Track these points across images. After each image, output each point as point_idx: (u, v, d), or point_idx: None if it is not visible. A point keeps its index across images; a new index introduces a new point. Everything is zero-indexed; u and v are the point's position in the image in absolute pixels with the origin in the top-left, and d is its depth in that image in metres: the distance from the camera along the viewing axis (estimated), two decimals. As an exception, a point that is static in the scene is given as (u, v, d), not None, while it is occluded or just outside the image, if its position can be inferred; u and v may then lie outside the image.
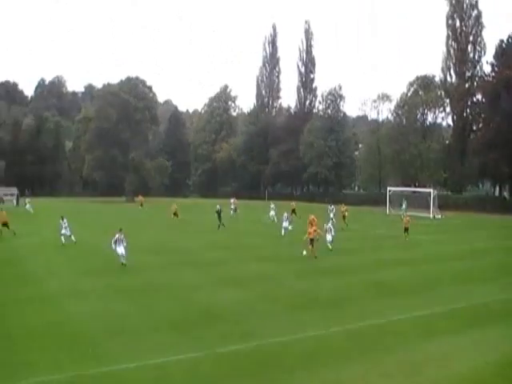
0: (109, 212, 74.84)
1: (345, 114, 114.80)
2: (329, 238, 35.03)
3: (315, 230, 32.24)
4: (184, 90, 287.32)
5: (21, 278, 26.44)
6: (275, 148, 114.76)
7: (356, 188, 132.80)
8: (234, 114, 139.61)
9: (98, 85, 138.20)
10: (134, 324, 18.37)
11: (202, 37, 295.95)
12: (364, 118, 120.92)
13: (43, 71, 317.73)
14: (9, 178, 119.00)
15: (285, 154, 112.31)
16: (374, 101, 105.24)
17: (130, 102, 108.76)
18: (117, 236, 27.65)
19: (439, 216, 69.04)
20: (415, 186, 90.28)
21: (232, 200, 69.81)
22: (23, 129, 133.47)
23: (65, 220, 37.70)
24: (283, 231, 42.91)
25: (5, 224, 41.85)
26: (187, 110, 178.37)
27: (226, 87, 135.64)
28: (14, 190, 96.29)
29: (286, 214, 45.24)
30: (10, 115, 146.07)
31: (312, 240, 31.82)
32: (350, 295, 22.95)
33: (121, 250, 27.53)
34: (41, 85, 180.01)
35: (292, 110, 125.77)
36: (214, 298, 22.11)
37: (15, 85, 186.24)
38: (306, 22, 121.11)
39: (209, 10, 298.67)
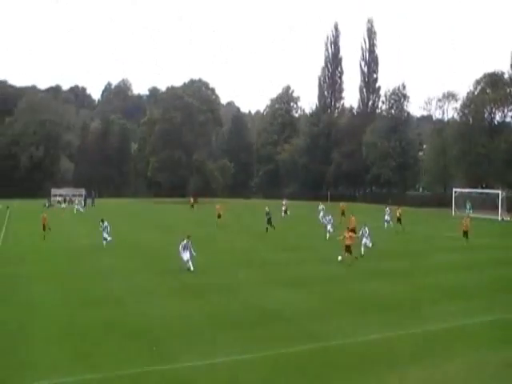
0: (163, 212, 75.90)
1: (409, 113, 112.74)
2: (365, 241, 33.62)
3: (351, 236, 30.55)
4: (247, 92, 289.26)
5: (87, 277, 27.28)
6: (338, 149, 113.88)
7: (420, 189, 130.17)
8: (296, 115, 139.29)
9: (162, 88, 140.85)
10: (197, 323, 18.61)
11: (264, 38, 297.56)
12: (428, 117, 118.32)
13: (110, 75, 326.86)
14: (77, 179, 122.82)
15: (347, 154, 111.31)
16: (439, 100, 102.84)
17: (193, 105, 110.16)
18: (184, 242, 27.74)
19: (508, 218, 66.90)
20: (482, 187, 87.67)
21: (284, 201, 69.51)
22: (91, 132, 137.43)
23: (105, 223, 37.75)
24: (327, 235, 41.61)
25: (44, 227, 42.70)
26: (249, 112, 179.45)
27: (288, 88, 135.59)
28: (82, 191, 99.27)
29: (328, 217, 44.34)
30: (78, 119, 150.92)
31: (348, 247, 30.18)
32: (410, 298, 22.58)
33: (187, 255, 27.55)
34: (107, 88, 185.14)
35: (354, 111, 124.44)
36: (275, 299, 22.15)
37: (83, 89, 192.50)
38: (368, 20, 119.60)
39: (271, 10, 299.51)
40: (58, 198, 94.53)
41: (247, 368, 14.45)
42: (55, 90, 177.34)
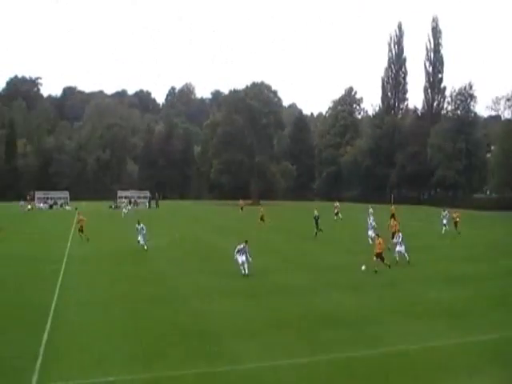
0: (224, 214, 76.37)
1: (475, 114, 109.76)
2: (399, 249, 31.38)
3: (380, 243, 28.69)
4: (309, 94, 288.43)
5: (149, 277, 27.78)
6: (401, 151, 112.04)
7: (487, 192, 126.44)
8: (359, 116, 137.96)
9: (225, 91, 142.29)
10: (259, 324, 18.63)
11: (327, 39, 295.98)
12: (497, 117, 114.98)
13: (174, 79, 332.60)
14: (142, 181, 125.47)
15: (411, 156, 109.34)
16: (508, 99, 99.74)
17: (255, 107, 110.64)
18: (241, 246, 27.53)
19: None
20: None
21: (336, 204, 68.67)
22: (155, 135, 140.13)
23: (141, 225, 37.53)
24: (370, 241, 38.85)
25: (81, 229, 42.03)
26: (311, 114, 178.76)
27: (350, 89, 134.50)
28: (147, 193, 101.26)
29: (370, 222, 42.95)
30: (143, 122, 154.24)
31: (379, 254, 28.52)
32: (473, 305, 21.77)
33: (242, 259, 27.35)
34: (171, 92, 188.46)
35: (419, 112, 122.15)
36: (333, 302, 21.90)
37: (148, 93, 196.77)
38: (433, 19, 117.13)
39: (334, 11, 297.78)
40: (124, 200, 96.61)
41: (310, 371, 14.34)
42: (121, 95, 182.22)
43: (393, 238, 33.78)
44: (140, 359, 15.13)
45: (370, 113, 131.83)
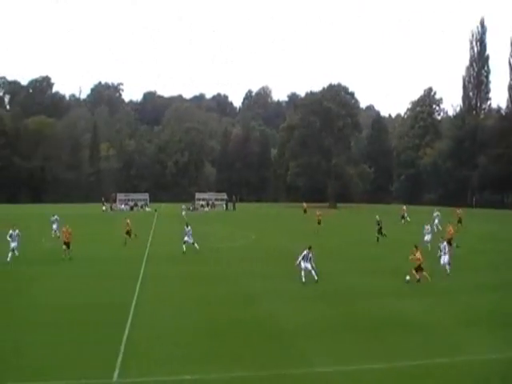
0: (299, 217, 75.83)
1: None
2: (443, 260, 28.91)
3: (418, 258, 26.63)
4: (387, 95, 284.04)
5: (223, 277, 28.16)
6: (484, 152, 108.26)
7: None
8: (439, 117, 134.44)
9: (302, 93, 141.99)
10: (332, 327, 18.51)
11: (405, 39, 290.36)
12: None
13: (250, 83, 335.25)
14: (219, 184, 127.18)
15: (495, 158, 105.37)
16: None
17: (332, 110, 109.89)
18: (305, 252, 27.11)
19: None
20: None
21: (404, 207, 67.07)
22: (232, 138, 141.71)
23: (189, 227, 37.88)
24: (429, 246, 36.84)
25: (128, 232, 41.79)
26: (389, 115, 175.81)
27: (430, 90, 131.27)
28: (224, 196, 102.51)
29: (429, 226, 40.88)
30: (220, 126, 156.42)
31: (418, 266, 26.61)
32: None
33: (306, 265, 26.88)
34: (248, 96, 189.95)
35: (503, 111, 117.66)
36: (412, 308, 21.38)
37: (225, 97, 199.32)
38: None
39: (412, 9, 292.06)
40: (202, 202, 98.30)
41: (385, 377, 14.08)
42: (199, 99, 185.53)
43: (449, 243, 32.07)
44: (216, 359, 15.31)
45: (451, 113, 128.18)
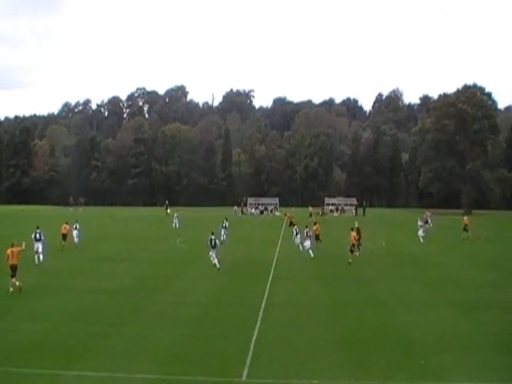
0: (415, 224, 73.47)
1: None
2: None
3: None
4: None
5: (354, 281, 27.84)
6: None
7: None
8: None
9: (434, 95, 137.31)
10: (470, 341, 17.67)
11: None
12: None
13: (381, 86, 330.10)
14: (349, 189, 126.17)
15: None
16: None
17: (467, 112, 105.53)
18: None
19: None
20: None
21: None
22: (362, 142, 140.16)
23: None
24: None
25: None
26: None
27: None
28: (354, 201, 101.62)
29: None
30: (350, 130, 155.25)
31: None
32: None
33: None
34: (378, 99, 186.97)
35: None
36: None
37: (355, 101, 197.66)
38: None
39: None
40: (331, 207, 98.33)
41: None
42: (329, 104, 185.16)
43: None
44: (343, 365, 15.26)
45: None
